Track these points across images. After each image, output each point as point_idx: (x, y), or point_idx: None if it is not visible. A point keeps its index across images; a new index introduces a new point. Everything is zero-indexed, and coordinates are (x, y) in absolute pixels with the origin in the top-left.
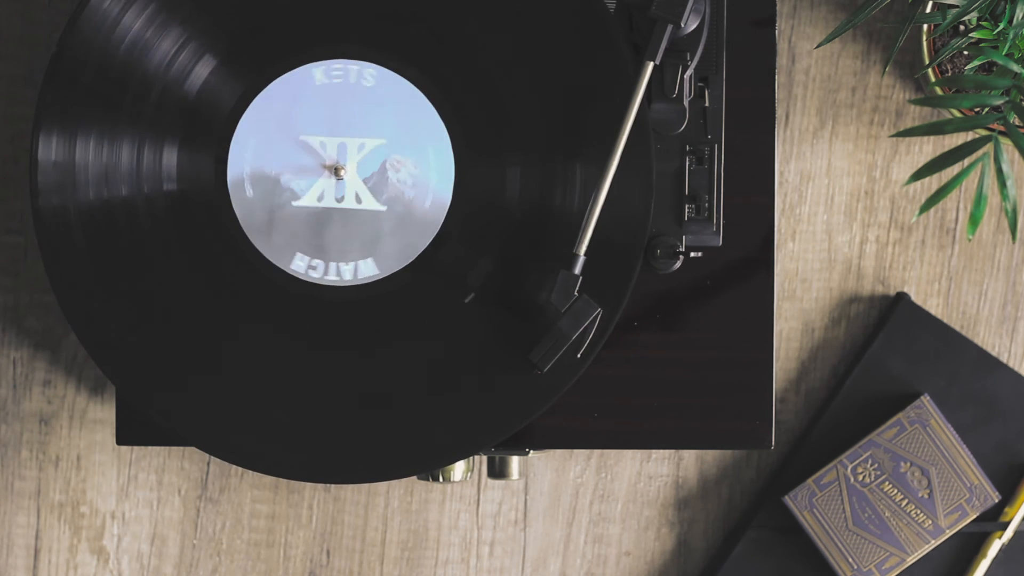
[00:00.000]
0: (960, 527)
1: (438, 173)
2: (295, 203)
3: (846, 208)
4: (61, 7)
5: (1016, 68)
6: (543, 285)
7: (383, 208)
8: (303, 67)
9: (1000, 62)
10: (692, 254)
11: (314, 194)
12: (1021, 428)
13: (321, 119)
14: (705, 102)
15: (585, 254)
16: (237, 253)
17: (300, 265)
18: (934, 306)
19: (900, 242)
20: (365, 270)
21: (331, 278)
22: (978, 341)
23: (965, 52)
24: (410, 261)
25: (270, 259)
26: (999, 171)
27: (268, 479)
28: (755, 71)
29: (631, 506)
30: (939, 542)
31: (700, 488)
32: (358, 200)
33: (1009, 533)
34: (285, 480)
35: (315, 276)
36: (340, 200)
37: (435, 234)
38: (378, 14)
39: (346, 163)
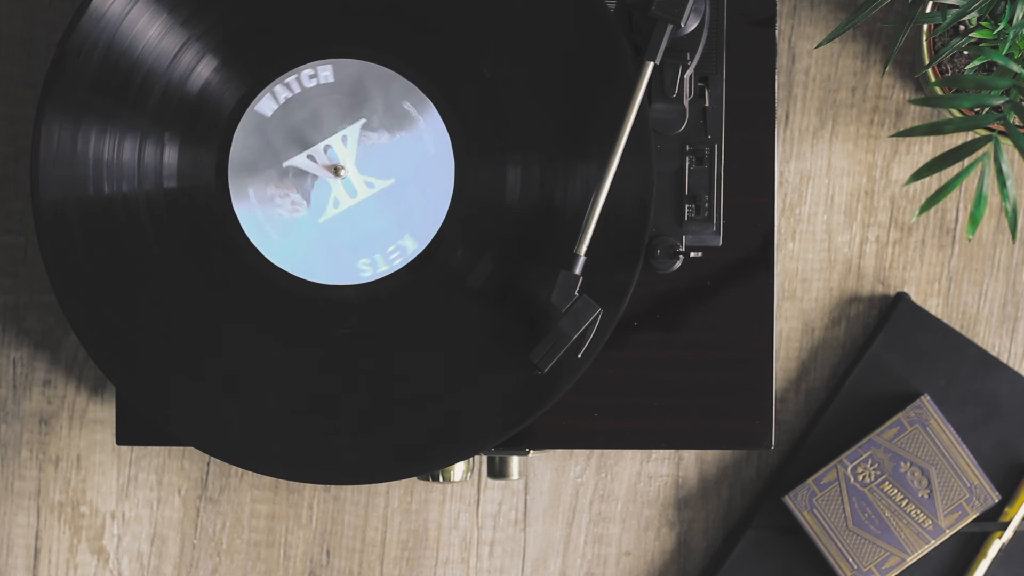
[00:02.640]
0: (960, 527)
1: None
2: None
3: (846, 208)
4: (62, 7)
5: (1016, 68)
6: (543, 285)
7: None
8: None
9: (1000, 62)
10: (692, 254)
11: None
12: (1021, 428)
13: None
14: (705, 102)
15: (585, 254)
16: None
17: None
18: (934, 306)
19: (900, 242)
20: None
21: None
22: (978, 341)
23: (965, 52)
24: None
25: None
26: (999, 171)
27: (268, 479)
28: (755, 71)
29: (631, 506)
30: (939, 542)
31: (700, 488)
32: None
33: (1009, 533)
34: (285, 480)
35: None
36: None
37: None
38: (378, 14)
39: (341, 160)
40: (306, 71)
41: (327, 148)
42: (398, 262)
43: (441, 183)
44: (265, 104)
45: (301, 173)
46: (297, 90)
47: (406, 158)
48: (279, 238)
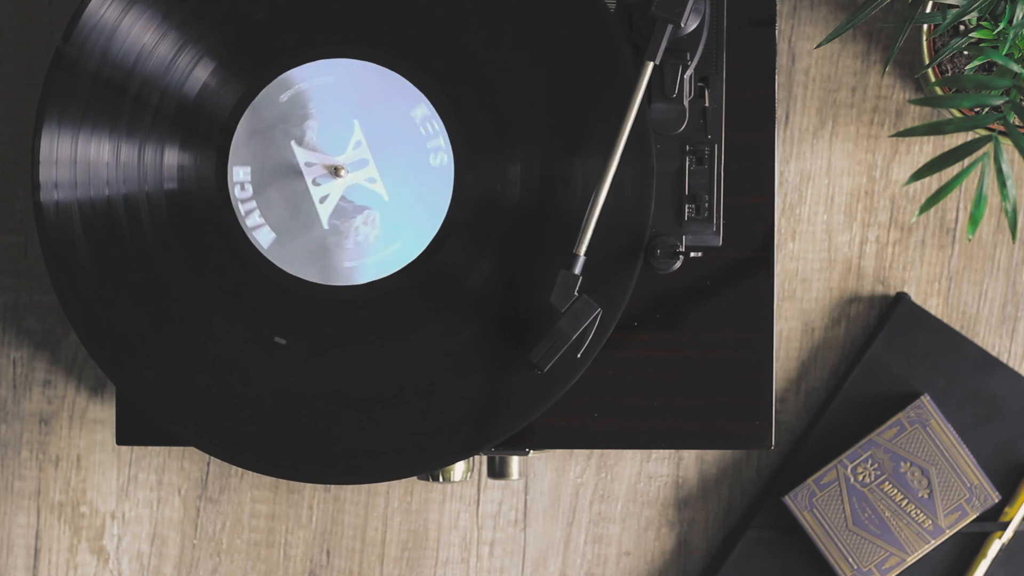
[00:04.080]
0: (960, 527)
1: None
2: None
3: (846, 208)
4: (62, 7)
5: (1016, 68)
6: (543, 285)
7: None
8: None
9: (1000, 62)
10: (692, 254)
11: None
12: (1021, 428)
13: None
14: (705, 102)
15: (585, 254)
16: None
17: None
18: (934, 306)
19: (900, 242)
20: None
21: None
22: (978, 341)
23: (965, 52)
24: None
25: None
26: (999, 171)
27: (268, 479)
28: (755, 71)
29: (631, 506)
30: (939, 542)
31: (700, 488)
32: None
33: (1009, 533)
34: (285, 480)
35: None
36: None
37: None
38: (377, 14)
39: (343, 160)
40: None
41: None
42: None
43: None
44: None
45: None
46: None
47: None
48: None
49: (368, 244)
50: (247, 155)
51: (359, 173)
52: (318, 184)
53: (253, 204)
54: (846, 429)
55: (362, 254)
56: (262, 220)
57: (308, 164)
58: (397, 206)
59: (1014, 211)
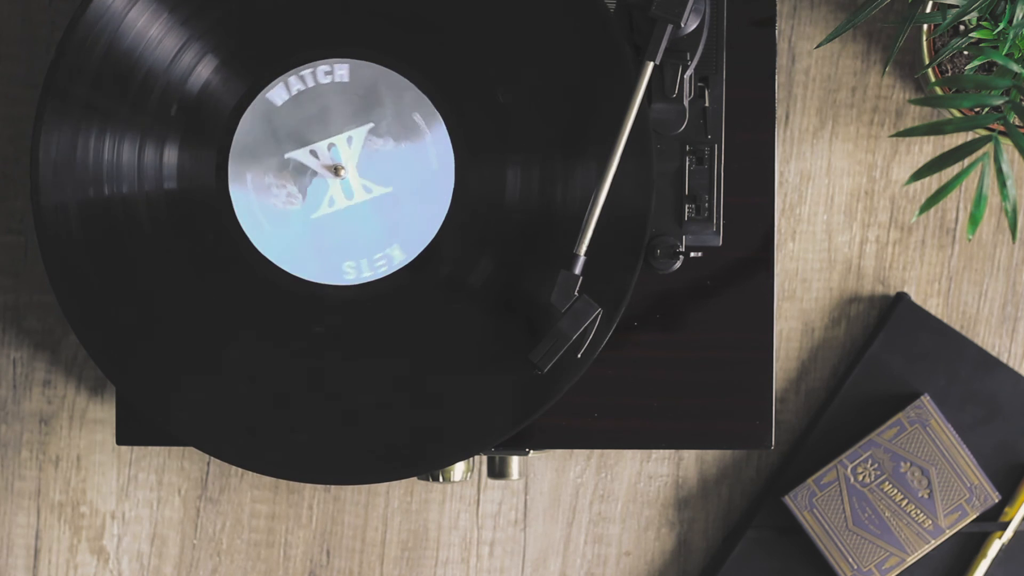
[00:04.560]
0: (960, 527)
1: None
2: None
3: (846, 208)
4: (62, 7)
5: (1016, 68)
6: (543, 285)
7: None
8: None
9: (1000, 62)
10: (692, 254)
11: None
12: (1021, 428)
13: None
14: (705, 102)
15: (585, 254)
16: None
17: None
18: (934, 306)
19: (900, 242)
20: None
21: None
22: (978, 341)
23: (965, 52)
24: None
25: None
26: (999, 171)
27: (268, 479)
28: (755, 71)
29: (631, 506)
30: (939, 542)
31: (700, 488)
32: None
33: (1009, 533)
34: (285, 480)
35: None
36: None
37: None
38: (378, 14)
39: (343, 160)
40: (311, 70)
41: (330, 146)
42: (396, 263)
43: (441, 184)
44: (268, 101)
45: (301, 171)
46: (301, 89)
47: (407, 161)
48: (279, 237)
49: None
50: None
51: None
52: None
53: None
54: (846, 429)
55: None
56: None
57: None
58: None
59: (1014, 211)
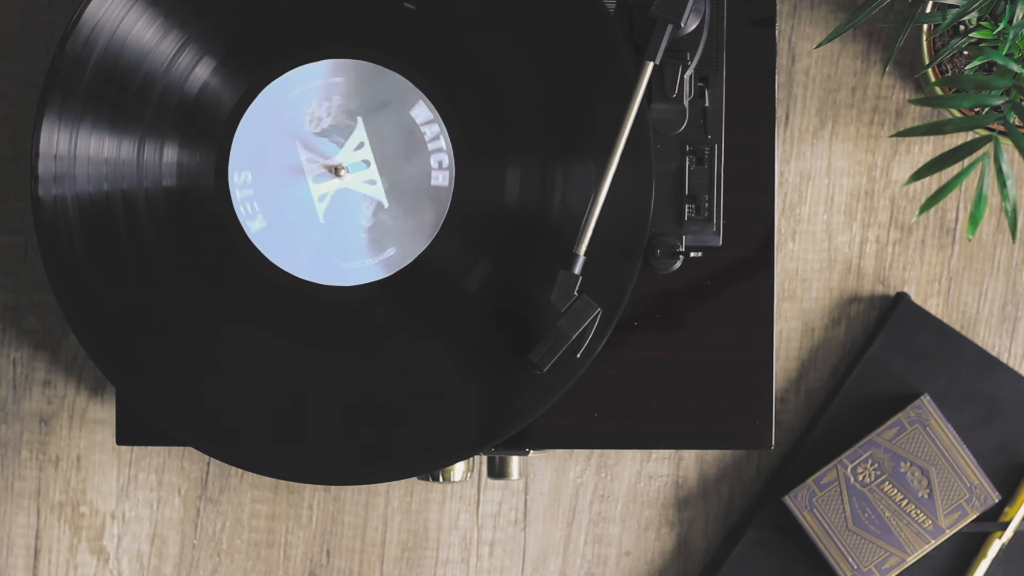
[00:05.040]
0: (960, 527)
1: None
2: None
3: (846, 208)
4: (61, 7)
5: (1016, 68)
6: (543, 285)
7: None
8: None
9: (1000, 62)
10: (692, 254)
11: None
12: (1021, 428)
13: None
14: (705, 102)
15: (585, 254)
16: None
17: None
18: (934, 306)
19: (900, 242)
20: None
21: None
22: (978, 341)
23: (965, 52)
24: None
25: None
26: (999, 171)
27: (268, 479)
28: (755, 71)
29: (631, 506)
30: (939, 542)
31: (700, 488)
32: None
33: (1009, 533)
34: (285, 480)
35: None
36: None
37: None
38: (378, 14)
39: (343, 161)
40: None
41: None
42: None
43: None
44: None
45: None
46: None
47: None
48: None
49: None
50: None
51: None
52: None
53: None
54: (846, 429)
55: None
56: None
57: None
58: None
59: (1014, 211)
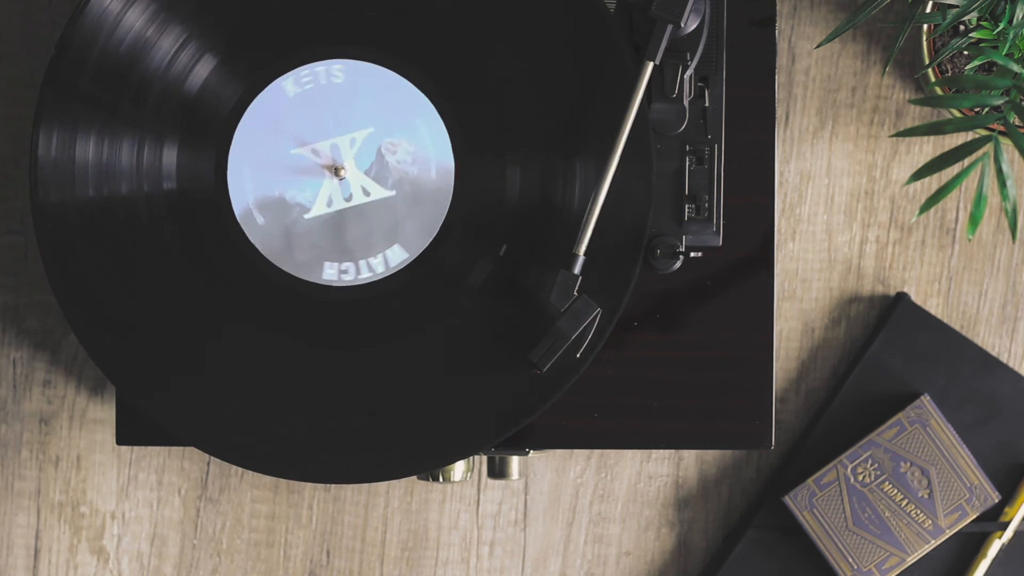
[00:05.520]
0: (960, 527)
1: (433, 142)
2: (307, 216)
3: (846, 208)
4: (61, 7)
5: (1016, 68)
6: (543, 285)
7: (392, 193)
8: (275, 80)
9: (1000, 62)
10: (692, 254)
11: (322, 201)
12: (1021, 428)
13: (305, 125)
14: (705, 102)
15: (585, 254)
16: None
17: (331, 273)
18: (934, 306)
19: (900, 242)
20: (394, 257)
21: (365, 276)
22: (978, 341)
23: (965, 52)
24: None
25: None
26: (999, 171)
27: (268, 479)
28: (755, 71)
29: (631, 506)
30: (939, 542)
31: (700, 488)
32: (366, 193)
33: (1009, 533)
34: (285, 480)
35: (348, 279)
36: (348, 199)
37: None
38: (377, 14)
39: (343, 161)
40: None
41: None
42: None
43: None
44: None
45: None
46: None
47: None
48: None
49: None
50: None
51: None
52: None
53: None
54: (846, 429)
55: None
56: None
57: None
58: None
59: (1014, 211)
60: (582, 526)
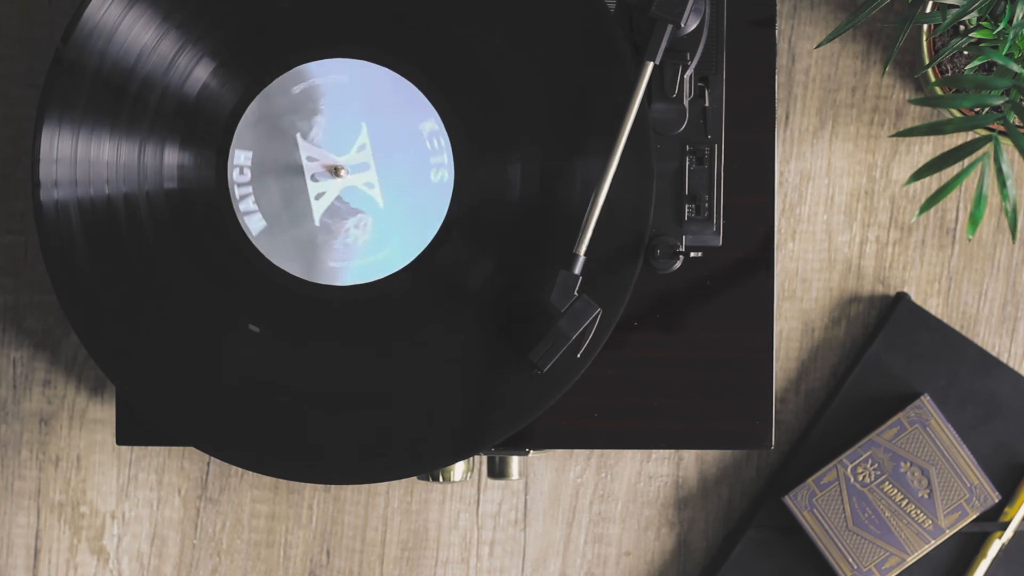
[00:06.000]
0: (960, 527)
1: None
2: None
3: (846, 208)
4: (61, 7)
5: (1016, 68)
6: (543, 285)
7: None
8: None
9: (1000, 62)
10: (692, 254)
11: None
12: (1021, 428)
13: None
14: (705, 102)
15: (585, 254)
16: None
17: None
18: (934, 306)
19: (900, 242)
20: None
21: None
22: (978, 341)
23: (965, 52)
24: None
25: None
26: (999, 171)
27: (268, 479)
28: (755, 71)
29: (631, 506)
30: (939, 542)
31: (700, 488)
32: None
33: (1009, 533)
34: (285, 480)
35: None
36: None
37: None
38: (377, 14)
39: (343, 161)
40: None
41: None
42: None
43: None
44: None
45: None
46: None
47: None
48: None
49: (357, 247)
50: (251, 141)
51: (359, 176)
52: (316, 181)
53: (253, 201)
54: (846, 429)
55: (361, 253)
56: (261, 218)
57: (310, 159)
58: (397, 206)
59: (1014, 211)
60: (582, 526)
